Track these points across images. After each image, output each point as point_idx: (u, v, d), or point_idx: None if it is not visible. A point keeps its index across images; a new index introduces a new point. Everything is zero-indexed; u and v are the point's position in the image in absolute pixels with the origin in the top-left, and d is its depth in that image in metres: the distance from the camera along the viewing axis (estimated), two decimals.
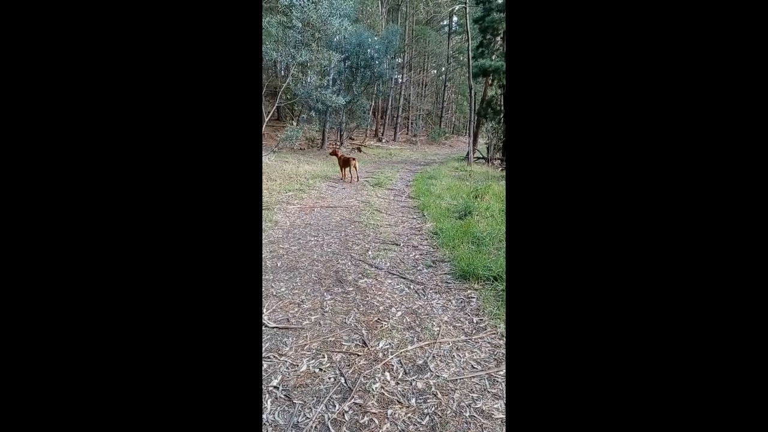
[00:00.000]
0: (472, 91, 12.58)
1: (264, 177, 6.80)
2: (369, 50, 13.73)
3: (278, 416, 1.43)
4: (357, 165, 7.52)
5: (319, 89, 10.55)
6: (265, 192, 5.73)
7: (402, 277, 2.84)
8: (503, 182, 7.38)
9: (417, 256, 3.34)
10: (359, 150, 10.34)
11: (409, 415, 1.47)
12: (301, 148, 12.63)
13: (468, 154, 12.25)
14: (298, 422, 1.41)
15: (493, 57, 12.27)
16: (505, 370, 1.76)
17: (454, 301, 2.47)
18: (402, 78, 22.14)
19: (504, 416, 1.48)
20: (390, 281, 2.76)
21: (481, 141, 14.60)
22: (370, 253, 3.37)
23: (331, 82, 12.22)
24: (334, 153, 8.12)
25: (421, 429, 1.40)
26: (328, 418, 1.43)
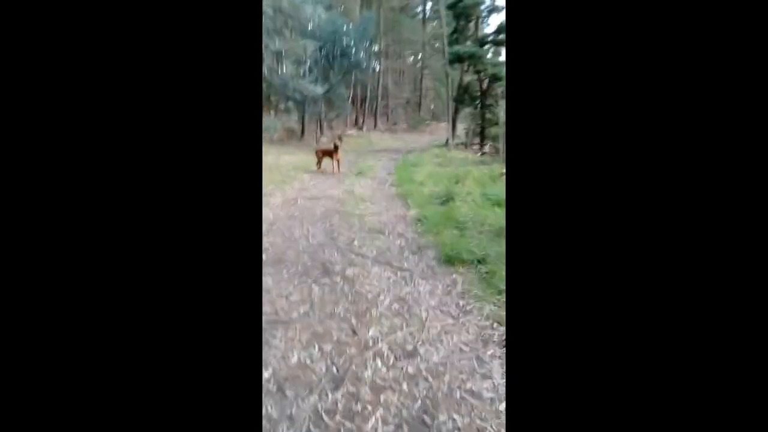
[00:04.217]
0: (449, 78, 12.58)
1: None
2: (344, 38, 13.51)
3: (271, 409, 1.43)
4: (341, 156, 7.07)
5: (295, 78, 10.35)
6: None
7: (388, 265, 2.85)
8: (482, 167, 7.46)
9: (402, 244, 3.36)
10: (339, 140, 10.27)
11: (401, 399, 1.50)
12: (280, 140, 12.41)
13: (447, 140, 12.29)
14: (291, 414, 1.41)
15: (468, 43, 12.27)
16: (491, 351, 1.81)
17: (440, 286, 2.51)
18: (379, 66, 21.91)
19: (493, 396, 1.52)
20: (377, 269, 2.78)
21: (460, 127, 14.66)
22: (356, 242, 3.37)
23: (307, 71, 11.99)
24: (335, 147, 7.12)
25: (413, 412, 1.43)
26: (322, 408, 1.44)
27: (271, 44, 8.94)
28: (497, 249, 2.86)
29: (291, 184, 6.10)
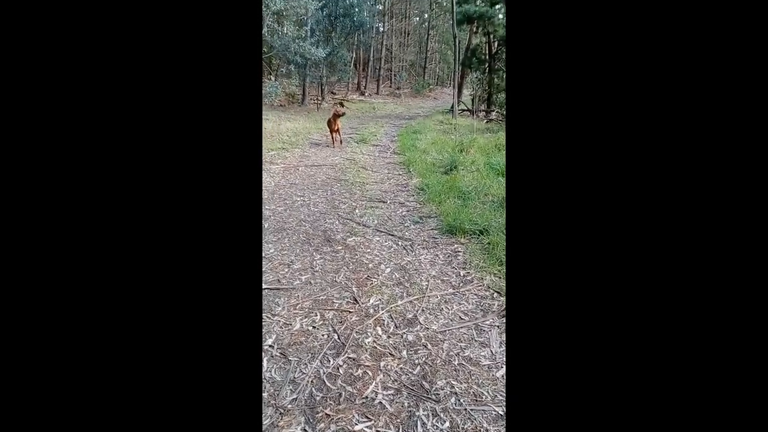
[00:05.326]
0: (457, 40, 12.09)
1: None
2: None
3: (275, 373, 1.48)
4: (340, 126, 6.42)
5: (296, 41, 9.99)
6: None
7: (390, 234, 2.86)
8: (488, 135, 7.32)
9: (404, 213, 3.35)
10: (341, 105, 10.00)
11: (401, 365, 1.54)
12: (281, 105, 12.16)
13: (452, 106, 12.00)
14: (294, 378, 1.46)
15: (478, 2, 11.71)
16: (490, 320, 1.84)
17: (441, 256, 2.52)
18: (383, 26, 21.10)
19: (490, 363, 1.56)
20: (378, 238, 2.79)
21: (466, 92, 14.28)
22: (357, 211, 3.37)
23: (309, 33, 11.55)
24: (335, 116, 6.31)
25: (412, 378, 1.47)
26: (324, 373, 1.49)
27: (271, 4, 8.55)
28: (500, 220, 2.85)
29: (292, 150, 6.03)
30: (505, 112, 9.82)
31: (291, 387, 1.42)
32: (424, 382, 1.45)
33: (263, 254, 2.48)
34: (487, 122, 10.42)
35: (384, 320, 1.83)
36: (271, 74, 11.57)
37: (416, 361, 1.56)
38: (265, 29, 9.75)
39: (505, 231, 2.62)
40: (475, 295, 2.07)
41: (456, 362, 1.56)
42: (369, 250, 2.58)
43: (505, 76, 10.80)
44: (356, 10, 13.32)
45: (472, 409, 1.33)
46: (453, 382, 1.45)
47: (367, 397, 1.38)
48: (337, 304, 1.95)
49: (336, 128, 6.34)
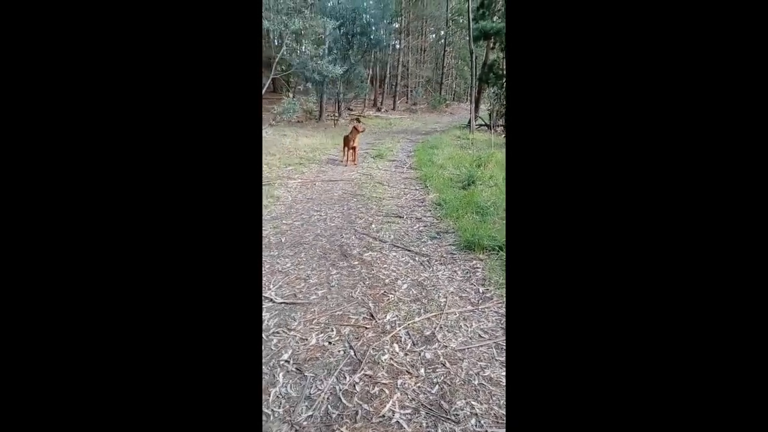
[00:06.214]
0: (473, 56, 12.17)
1: (263, 151, 6.70)
2: (365, 15, 13.22)
3: (290, 389, 1.46)
4: (357, 144, 6.21)
5: (314, 59, 10.24)
6: (264, 167, 5.67)
7: (407, 250, 2.84)
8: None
9: (421, 228, 3.33)
10: (358, 120, 10.08)
11: (418, 384, 1.50)
12: (298, 121, 12.41)
13: (470, 121, 12.00)
14: (310, 394, 1.44)
15: (495, 18, 11.82)
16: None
17: (459, 272, 2.48)
18: (400, 44, 21.47)
19: None
20: (395, 254, 2.77)
21: (483, 107, 14.30)
22: (373, 226, 3.36)
23: (326, 51, 11.83)
24: (353, 131, 6.17)
25: (431, 397, 1.43)
26: (340, 390, 1.46)
27: (290, 24, 8.81)
28: None
29: (309, 166, 6.11)
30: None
31: (306, 403, 1.39)
32: (442, 402, 1.41)
33: (280, 269, 2.49)
34: (504, 137, 10.38)
35: (401, 337, 1.80)
36: (289, 91, 11.86)
37: (434, 380, 1.52)
38: (284, 49, 10.03)
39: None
40: (495, 312, 2.02)
41: (476, 382, 1.52)
42: (386, 266, 2.57)
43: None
44: (373, 28, 13.60)
45: (492, 431, 1.28)
46: (473, 403, 1.41)
47: (384, 416, 1.34)
48: (353, 320, 1.93)
49: (353, 145, 6.21)
